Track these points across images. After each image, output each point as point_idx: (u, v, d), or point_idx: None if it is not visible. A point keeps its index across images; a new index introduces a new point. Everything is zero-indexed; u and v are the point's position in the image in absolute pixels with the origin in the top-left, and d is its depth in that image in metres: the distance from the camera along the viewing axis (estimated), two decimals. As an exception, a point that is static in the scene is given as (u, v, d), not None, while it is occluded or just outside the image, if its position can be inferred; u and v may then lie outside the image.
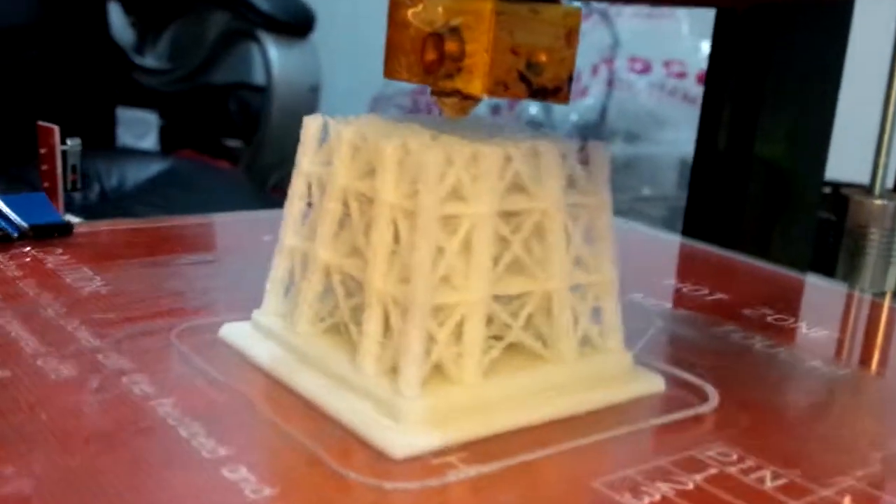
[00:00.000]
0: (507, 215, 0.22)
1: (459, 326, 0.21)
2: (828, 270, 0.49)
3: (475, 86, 0.21)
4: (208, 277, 0.31)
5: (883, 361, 0.28)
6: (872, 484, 0.20)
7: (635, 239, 0.41)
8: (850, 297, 0.35)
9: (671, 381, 0.24)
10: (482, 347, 0.22)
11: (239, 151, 1.25)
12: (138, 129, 1.30)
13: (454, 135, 0.22)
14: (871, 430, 0.23)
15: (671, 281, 0.34)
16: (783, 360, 0.27)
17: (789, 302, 0.33)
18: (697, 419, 0.22)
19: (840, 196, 0.41)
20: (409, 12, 0.22)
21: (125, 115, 1.26)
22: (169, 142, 1.28)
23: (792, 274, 0.37)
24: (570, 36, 0.22)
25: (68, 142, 0.38)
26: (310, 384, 0.22)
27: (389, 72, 0.23)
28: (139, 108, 1.28)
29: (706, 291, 0.33)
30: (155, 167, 1.01)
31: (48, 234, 0.33)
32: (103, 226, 0.36)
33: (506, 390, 0.22)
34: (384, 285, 0.21)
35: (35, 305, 0.27)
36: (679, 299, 0.32)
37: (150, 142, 1.29)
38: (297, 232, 0.24)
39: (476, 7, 0.21)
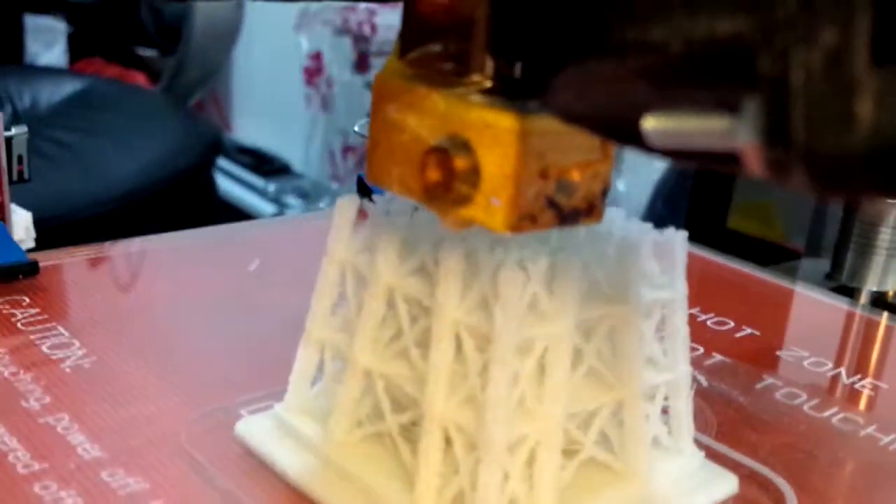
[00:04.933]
0: (581, 324, 0.19)
1: (532, 455, 0.19)
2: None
3: (496, 219, 0.17)
4: (200, 333, 0.28)
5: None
6: None
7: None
8: (879, 327, 0.33)
9: (740, 472, 0.22)
10: (556, 474, 0.19)
11: (151, 61, 1.19)
12: (46, 37, 1.23)
13: (521, 237, 0.19)
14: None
15: (693, 310, 0.32)
16: (843, 430, 0.25)
17: (818, 335, 0.32)
18: (779, 531, 0.21)
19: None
20: (405, 115, 0.18)
21: (33, 22, 1.20)
22: (78, 50, 1.21)
23: (805, 291, 0.36)
24: (607, 145, 0.18)
25: (13, 129, 0.33)
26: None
27: (375, 176, 0.19)
28: (47, 14, 1.21)
29: (732, 325, 0.31)
30: (69, 87, 0.96)
31: (12, 276, 0.29)
32: (65, 257, 0.32)
33: (583, 522, 0.19)
34: (446, 410, 0.19)
35: (13, 393, 0.23)
36: (709, 339, 0.30)
37: (58, 51, 1.22)
38: (327, 324, 0.21)
39: (495, 122, 0.16)
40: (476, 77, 0.17)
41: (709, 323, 0.31)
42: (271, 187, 1.20)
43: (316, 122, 1.25)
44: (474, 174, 0.17)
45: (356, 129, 0.42)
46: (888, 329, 0.32)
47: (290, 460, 0.21)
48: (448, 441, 0.19)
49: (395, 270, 0.20)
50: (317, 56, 1.20)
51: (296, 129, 1.25)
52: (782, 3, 0.10)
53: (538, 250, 0.18)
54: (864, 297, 0.40)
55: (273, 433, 0.22)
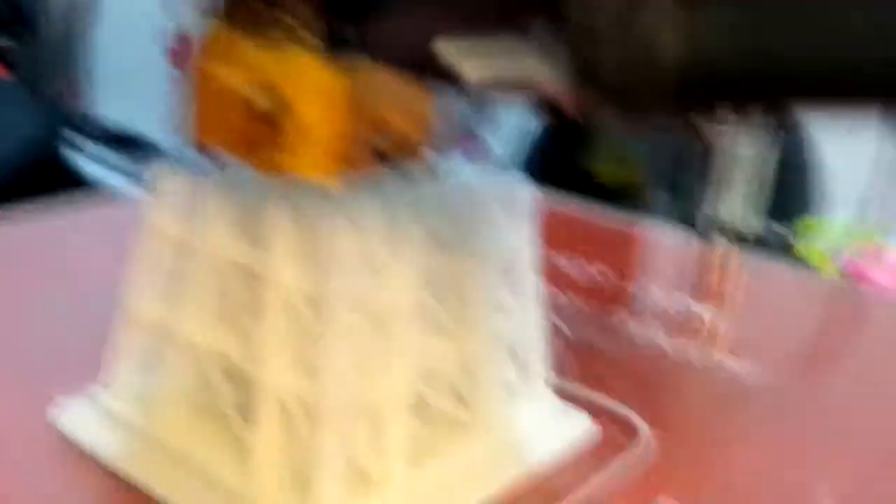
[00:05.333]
0: (425, 279, 0.18)
1: (378, 419, 0.18)
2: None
3: (316, 165, 0.17)
4: (11, 322, 0.26)
5: (808, 360, 0.27)
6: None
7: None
8: (725, 259, 0.34)
9: (595, 411, 0.22)
10: (404, 436, 0.18)
11: (6, 50, 1.13)
12: None
13: (354, 193, 0.18)
14: (812, 458, 0.21)
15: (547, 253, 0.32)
16: (701, 366, 0.25)
17: (666, 269, 0.32)
18: (634, 467, 0.21)
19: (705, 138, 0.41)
20: (221, 69, 0.17)
21: None
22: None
23: (654, 228, 0.36)
24: (426, 90, 0.18)
25: None
26: (181, 493, 0.18)
27: (195, 133, 0.18)
28: None
29: (584, 265, 0.31)
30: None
31: None
32: None
33: (436, 483, 0.19)
34: (282, 381, 0.17)
35: None
36: (560, 279, 0.30)
37: None
38: (152, 300, 0.20)
39: (316, 76, 0.16)
40: (293, 30, 0.17)
41: (562, 264, 0.31)
42: (137, 168, 1.15)
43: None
44: (294, 124, 0.16)
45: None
46: (729, 257, 0.33)
47: (112, 445, 0.19)
48: (286, 412, 0.18)
49: (223, 237, 0.18)
50: (184, 37, 1.16)
51: (162, 109, 1.19)
52: None
53: (374, 206, 0.17)
54: (700, 224, 0.41)
55: (93, 418, 0.20)
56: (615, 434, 0.22)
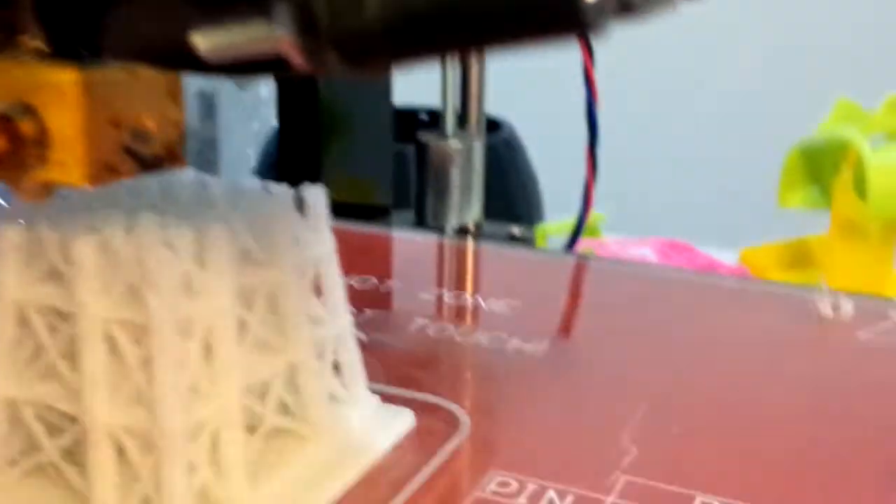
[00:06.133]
0: (240, 294, 0.19)
1: (214, 438, 0.18)
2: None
3: (73, 175, 0.17)
4: None
5: (563, 327, 0.30)
6: (639, 472, 0.21)
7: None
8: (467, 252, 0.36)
9: (416, 407, 0.23)
10: (242, 453, 0.18)
11: None
12: None
13: (146, 212, 0.18)
14: (609, 412, 0.24)
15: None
16: (490, 348, 0.27)
17: (427, 270, 0.34)
18: (461, 450, 0.22)
19: (420, 142, 0.43)
20: None
21: None
22: None
23: (416, 236, 0.38)
24: (174, 89, 0.18)
25: None
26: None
27: None
28: None
29: (376, 281, 0.32)
30: None
31: None
32: None
33: (279, 495, 0.19)
34: (112, 416, 0.17)
35: None
36: (358, 296, 0.31)
37: None
38: (-50, 362, 0.18)
39: (55, 79, 0.16)
40: (27, 40, 0.16)
41: (352, 282, 0.32)
42: None
43: None
44: (43, 135, 0.16)
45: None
46: (478, 252, 0.36)
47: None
48: (120, 449, 0.17)
49: (21, 280, 0.18)
50: None
51: None
52: None
53: (180, 228, 0.17)
54: (449, 233, 0.44)
55: None
56: (437, 424, 0.23)
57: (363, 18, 0.12)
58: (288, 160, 0.49)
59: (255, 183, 0.20)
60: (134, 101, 0.17)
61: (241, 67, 0.14)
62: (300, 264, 0.20)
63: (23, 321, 0.18)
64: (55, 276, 0.17)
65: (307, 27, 0.13)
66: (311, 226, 0.20)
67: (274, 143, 0.61)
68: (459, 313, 0.30)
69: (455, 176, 0.42)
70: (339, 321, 0.21)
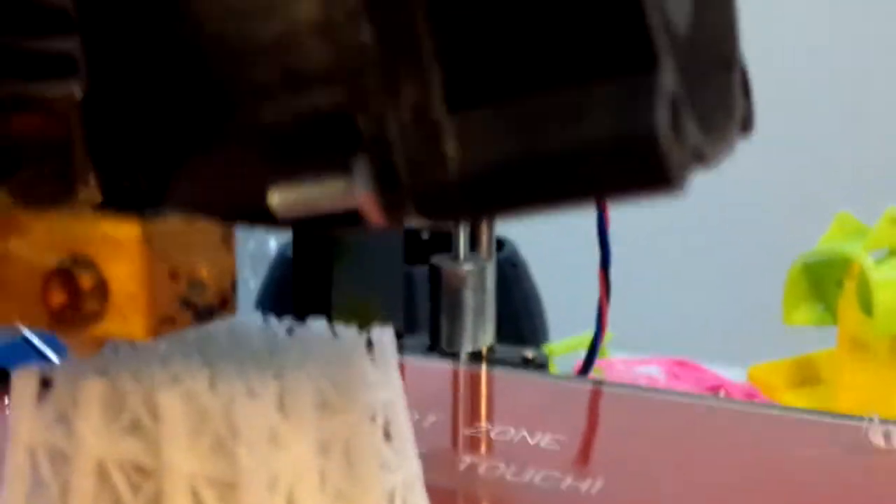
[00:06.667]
0: (320, 444, 0.18)
1: None
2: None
3: (134, 329, 0.16)
4: None
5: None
6: None
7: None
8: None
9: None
10: None
11: None
12: None
13: (224, 361, 0.18)
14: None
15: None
16: (542, 487, 0.27)
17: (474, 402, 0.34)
18: None
19: (432, 265, 0.43)
20: (9, 242, 0.16)
21: None
22: None
23: (432, 363, 0.38)
24: (228, 236, 0.18)
25: None
26: None
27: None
28: None
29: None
30: None
31: None
32: None
33: None
34: (195, 576, 0.17)
35: None
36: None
37: None
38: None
39: (116, 233, 0.16)
40: (83, 193, 0.16)
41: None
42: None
43: None
44: (102, 288, 0.16)
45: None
46: (496, 378, 0.36)
47: None
48: None
49: (103, 436, 0.17)
50: None
51: None
52: (370, 73, 0.12)
53: (264, 378, 0.17)
54: (463, 358, 0.43)
55: None
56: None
57: (445, 174, 0.12)
58: (299, 285, 0.49)
59: (320, 326, 0.20)
60: (190, 250, 0.17)
61: (312, 222, 0.14)
62: (372, 408, 0.20)
63: (102, 476, 0.17)
64: (137, 429, 0.17)
65: (388, 183, 0.13)
66: (380, 368, 0.20)
67: (279, 268, 0.61)
68: (504, 449, 0.29)
69: (469, 299, 0.42)
70: (409, 466, 0.21)
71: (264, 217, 0.14)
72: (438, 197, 0.12)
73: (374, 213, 0.13)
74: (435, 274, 0.42)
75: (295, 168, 0.13)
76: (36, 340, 0.36)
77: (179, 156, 0.15)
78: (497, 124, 0.12)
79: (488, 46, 0.12)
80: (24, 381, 0.18)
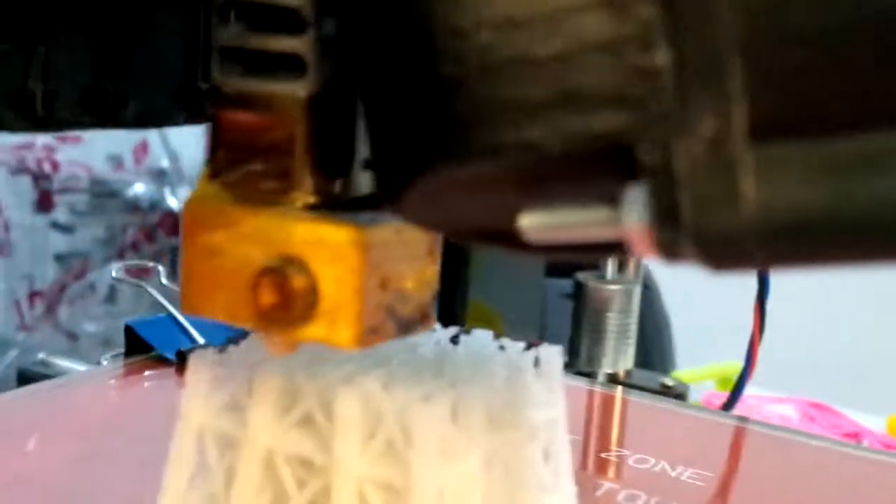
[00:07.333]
0: (486, 461, 0.18)
1: None
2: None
3: (341, 336, 0.16)
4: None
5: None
6: None
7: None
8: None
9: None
10: None
11: None
12: None
13: (401, 366, 0.18)
14: None
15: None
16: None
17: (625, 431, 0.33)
18: None
19: (578, 282, 0.42)
20: (222, 236, 0.16)
21: None
22: None
23: (567, 381, 0.37)
24: (434, 248, 0.17)
25: None
26: None
27: (193, 307, 0.17)
28: None
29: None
30: None
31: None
32: None
33: None
34: (354, 579, 0.16)
35: None
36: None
37: None
38: (186, 502, 0.18)
39: (333, 238, 0.15)
40: (299, 193, 0.16)
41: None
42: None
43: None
44: (313, 292, 0.16)
45: (113, 273, 0.38)
46: (634, 405, 0.34)
47: None
48: None
49: (274, 427, 0.17)
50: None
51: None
52: (661, 100, 0.11)
53: (441, 385, 0.17)
54: (600, 380, 0.42)
55: None
56: None
57: (737, 218, 0.11)
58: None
59: (486, 336, 0.20)
60: (399, 261, 0.16)
61: (565, 249, 0.13)
62: (534, 427, 0.19)
63: (269, 467, 0.17)
64: (308, 425, 0.17)
65: (666, 219, 0.11)
66: (545, 387, 0.20)
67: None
68: (643, 478, 0.28)
69: (613, 320, 0.41)
70: (565, 490, 0.20)
71: (509, 239, 0.13)
72: (727, 241, 0.11)
73: (643, 248, 0.12)
74: (579, 291, 0.41)
75: (553, 191, 0.13)
76: (182, 318, 0.36)
77: (420, 165, 0.14)
78: (805, 166, 0.11)
79: (805, 78, 0.10)
80: (199, 365, 0.18)
